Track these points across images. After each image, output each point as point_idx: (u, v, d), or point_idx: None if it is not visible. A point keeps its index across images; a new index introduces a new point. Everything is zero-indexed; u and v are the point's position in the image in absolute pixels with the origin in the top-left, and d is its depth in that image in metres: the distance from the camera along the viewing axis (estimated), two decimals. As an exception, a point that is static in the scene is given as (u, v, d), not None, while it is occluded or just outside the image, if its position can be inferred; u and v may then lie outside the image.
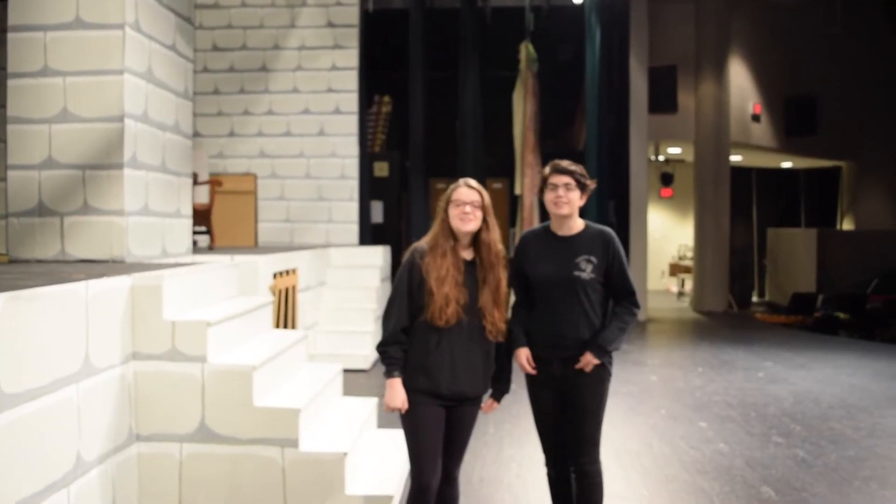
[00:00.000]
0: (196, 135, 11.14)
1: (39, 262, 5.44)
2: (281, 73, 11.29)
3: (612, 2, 12.48)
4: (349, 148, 11.28)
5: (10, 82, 5.46)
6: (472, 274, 3.39)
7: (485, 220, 3.39)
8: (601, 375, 3.54)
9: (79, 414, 3.57)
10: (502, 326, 3.43)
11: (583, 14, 12.56)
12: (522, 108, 12.49)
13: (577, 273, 3.49)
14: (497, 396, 3.58)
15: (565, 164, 3.55)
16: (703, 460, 5.41)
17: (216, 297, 4.99)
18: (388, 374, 3.38)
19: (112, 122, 5.42)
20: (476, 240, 3.41)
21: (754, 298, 17.84)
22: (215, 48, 11.35)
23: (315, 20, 11.22)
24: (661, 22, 13.59)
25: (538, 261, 3.57)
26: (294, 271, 7.98)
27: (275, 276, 7.21)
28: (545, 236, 3.64)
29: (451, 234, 3.38)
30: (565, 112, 14.04)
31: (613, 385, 7.51)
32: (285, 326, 7.55)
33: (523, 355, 3.55)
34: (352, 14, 11.21)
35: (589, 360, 3.45)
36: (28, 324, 3.19)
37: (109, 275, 4.08)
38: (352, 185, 11.33)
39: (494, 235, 3.42)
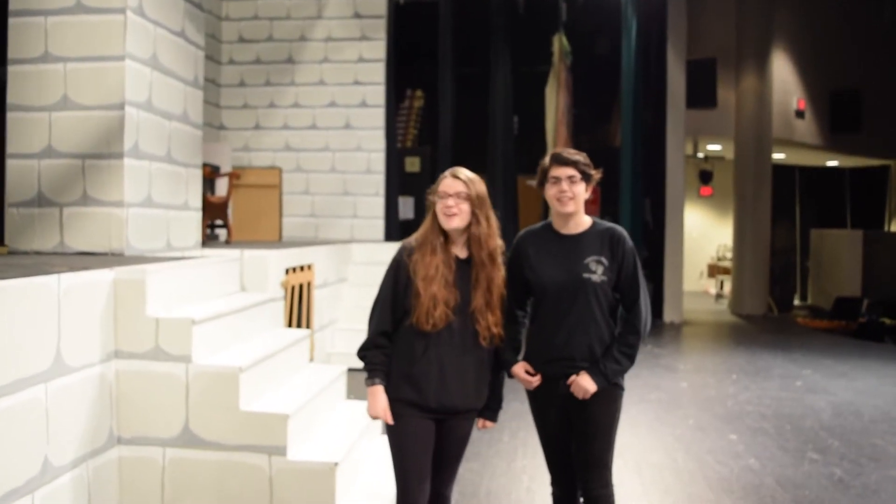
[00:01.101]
0: (221, 127, 11.08)
1: (38, 253, 5.27)
2: (307, 64, 11.08)
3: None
4: (375, 142, 11.03)
5: (11, 68, 5.30)
6: (467, 273, 3.06)
7: (475, 213, 3.04)
8: (612, 393, 3.18)
9: (47, 416, 3.35)
10: (496, 331, 3.08)
11: (619, 5, 12.15)
12: (555, 103, 12.12)
13: (586, 275, 3.12)
14: (489, 415, 3.21)
15: (567, 153, 3.17)
16: (730, 478, 5.04)
17: (212, 293, 4.75)
18: (370, 381, 3.07)
19: (112, 109, 5.23)
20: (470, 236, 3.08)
21: (796, 302, 17.22)
22: (241, 39, 11.19)
23: (342, 11, 10.98)
24: (700, 13, 13.11)
25: (541, 263, 3.20)
26: (310, 267, 7.74)
27: (287, 271, 6.97)
28: (547, 235, 3.26)
29: (441, 230, 3.06)
30: (601, 107, 13.63)
31: (640, 391, 7.24)
32: (298, 324, 7.31)
33: (521, 370, 3.19)
34: (379, 5, 10.95)
35: (584, 386, 3.08)
36: (-14, 320, 2.97)
37: (92, 268, 3.86)
38: (378, 180, 11.08)
39: (487, 230, 3.06)
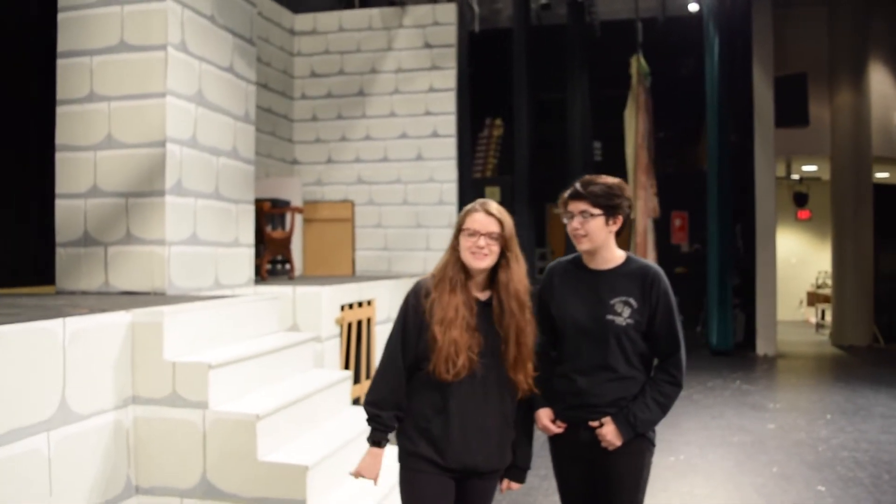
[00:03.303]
0: (294, 162, 11.13)
1: (84, 293, 5.25)
2: (378, 97, 11.02)
3: (732, 8, 11.50)
4: (447, 172, 10.83)
5: (59, 109, 5.34)
6: (488, 317, 2.71)
7: (504, 255, 2.71)
8: (640, 447, 2.80)
9: (49, 466, 3.21)
10: (529, 385, 2.73)
11: (700, 22, 11.65)
12: (634, 126, 11.67)
13: (610, 317, 2.77)
14: (516, 475, 2.85)
15: (582, 183, 2.82)
16: (811, 535, 4.50)
17: (245, 333, 4.59)
18: (374, 442, 2.75)
19: (154, 147, 5.18)
20: (492, 277, 2.75)
21: (906, 331, 15.98)
22: (313, 74, 11.23)
23: (412, 42, 10.90)
24: (787, 27, 12.43)
25: (565, 299, 2.87)
26: (370, 303, 7.54)
27: (343, 307, 6.79)
28: (575, 269, 2.92)
29: (463, 267, 2.72)
30: (684, 129, 13.10)
31: (722, 433, 6.70)
32: (357, 362, 7.11)
33: (545, 416, 2.86)
34: (449, 34, 10.81)
35: (609, 437, 2.73)
36: (-26, 369, 2.85)
37: (109, 310, 3.75)
38: (450, 211, 10.86)
39: (516, 274, 2.72)
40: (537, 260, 16.62)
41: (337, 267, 10.95)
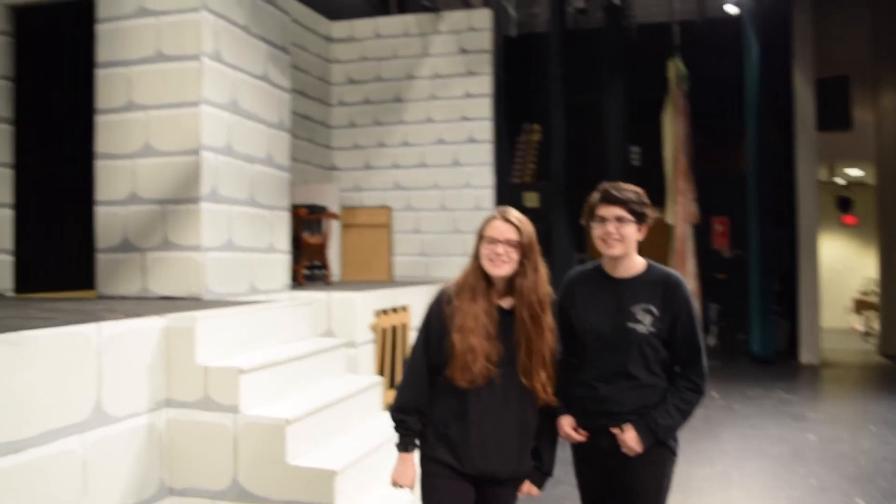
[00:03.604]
0: (332, 168, 11.22)
1: (123, 298, 5.35)
2: (414, 102, 11.07)
3: (771, 10, 11.33)
4: (484, 178, 10.82)
5: (99, 118, 5.46)
6: (510, 325, 2.72)
7: (522, 263, 2.71)
8: (661, 455, 2.78)
9: (84, 467, 3.28)
10: (548, 393, 2.73)
11: (738, 25, 11.50)
12: (672, 130, 11.56)
13: (631, 325, 2.75)
14: (537, 480, 2.84)
15: (618, 189, 2.81)
16: (849, 548, 4.41)
17: (277, 338, 4.64)
18: (402, 448, 2.79)
19: (189, 154, 5.27)
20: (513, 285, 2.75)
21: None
22: (350, 81, 11.32)
23: (447, 47, 10.92)
24: (828, 28, 12.19)
25: (585, 308, 2.86)
26: (405, 308, 7.57)
27: (377, 313, 6.83)
28: (596, 278, 2.91)
29: (484, 275, 2.73)
30: (723, 133, 12.92)
31: (759, 444, 6.59)
32: (392, 367, 7.14)
33: (566, 424, 2.84)
34: (484, 39, 10.81)
35: (630, 444, 2.72)
36: (6, 370, 2.92)
37: (143, 315, 3.82)
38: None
39: (534, 281, 2.71)
40: (577, 265, 16.56)
41: (375, 272, 11.02)
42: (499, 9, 11.49)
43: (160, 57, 5.31)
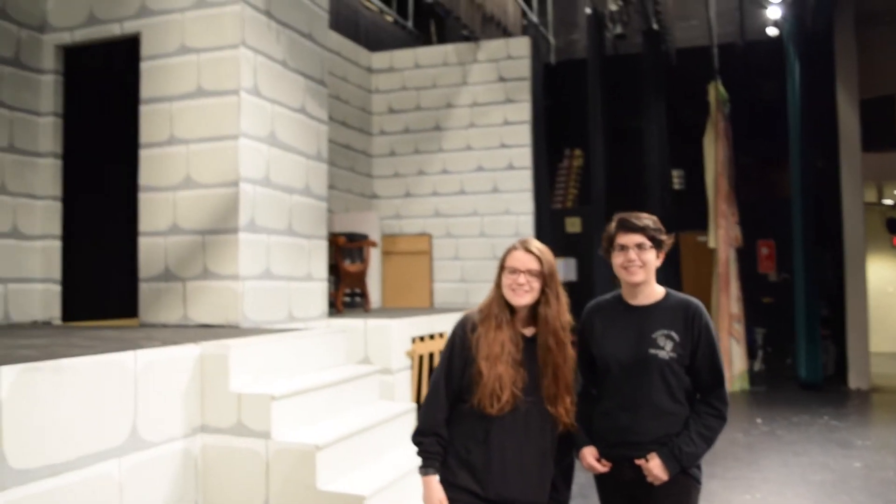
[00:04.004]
0: (373, 196, 11.39)
1: (165, 326, 5.50)
2: (453, 131, 11.20)
3: (812, 30, 11.23)
4: (523, 204, 10.87)
5: (142, 152, 5.65)
6: (533, 353, 2.77)
7: (544, 292, 2.76)
8: (685, 484, 2.78)
9: (120, 490, 3.39)
10: (569, 420, 2.77)
11: (780, 47, 11.42)
12: (713, 153, 11.49)
13: (653, 351, 2.78)
14: None
15: (636, 218, 2.86)
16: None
17: (311, 365, 4.73)
18: (424, 471, 2.82)
19: (228, 186, 5.42)
20: (535, 314, 2.80)
21: None
22: (391, 110, 11.51)
23: (486, 76, 11.05)
24: (871, 48, 12.03)
25: (606, 337, 2.89)
26: (442, 335, 7.62)
27: (414, 340, 6.90)
28: (615, 307, 2.95)
29: (508, 304, 2.79)
30: (766, 156, 12.79)
31: (802, 471, 6.48)
32: (428, 393, 7.17)
33: (589, 455, 2.87)
34: (523, 67, 10.91)
35: (655, 472, 2.73)
36: (49, 396, 3.05)
37: (179, 343, 3.94)
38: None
39: (556, 309, 2.77)
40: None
41: (415, 299, 11.11)
42: (538, 36, 11.61)
43: (200, 92, 5.49)
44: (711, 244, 11.54)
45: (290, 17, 6.02)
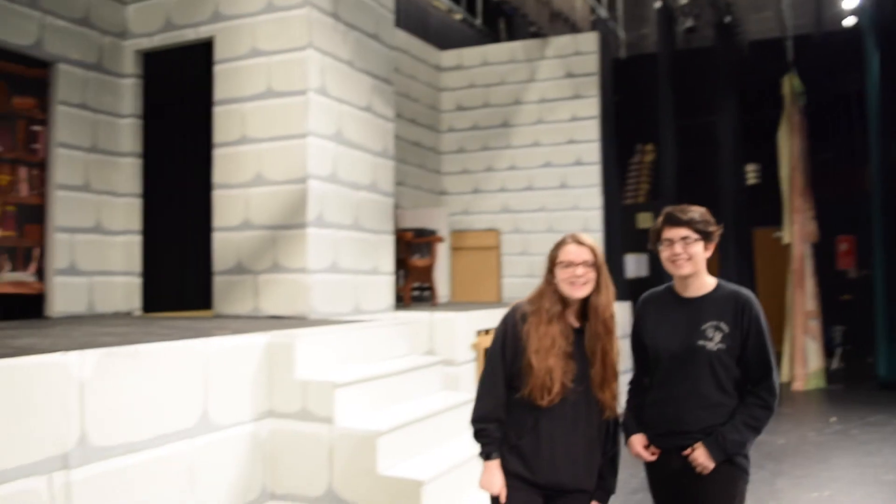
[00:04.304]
0: (443, 192, 11.53)
1: (237, 317, 5.74)
2: (521, 127, 11.26)
3: (892, 20, 10.86)
4: (591, 200, 10.85)
5: (216, 151, 5.91)
6: (581, 344, 2.85)
7: (598, 282, 2.83)
8: (731, 474, 2.80)
9: (191, 469, 3.59)
10: (613, 405, 2.84)
11: (857, 38, 11.08)
12: (788, 148, 11.23)
13: (701, 342, 2.82)
14: (601, 497, 2.91)
15: (680, 211, 2.89)
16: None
17: (375, 355, 4.88)
18: (486, 456, 2.90)
19: (297, 183, 5.62)
20: (585, 304, 2.86)
21: None
22: (459, 108, 11.63)
23: (554, 72, 11.07)
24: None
25: (657, 328, 2.95)
26: (508, 328, 7.69)
27: (479, 333, 6.99)
28: (667, 298, 3.00)
29: (560, 299, 2.85)
30: (844, 149, 12.42)
31: (874, 471, 6.35)
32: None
33: (638, 443, 2.94)
34: (591, 63, 10.89)
35: (700, 460, 2.77)
36: (127, 379, 3.27)
37: (247, 332, 4.14)
38: (596, 239, 10.85)
39: (606, 298, 2.84)
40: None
41: (484, 294, 11.21)
42: (607, 31, 11.55)
43: (270, 93, 5.71)
44: (786, 240, 11.29)
45: (356, 19, 6.19)
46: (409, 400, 4.73)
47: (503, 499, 2.82)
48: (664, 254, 2.92)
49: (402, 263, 8.31)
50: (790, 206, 11.22)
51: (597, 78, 10.92)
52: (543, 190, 11.10)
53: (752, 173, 15.94)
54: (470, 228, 11.52)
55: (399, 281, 8.41)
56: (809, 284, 11.13)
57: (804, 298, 11.03)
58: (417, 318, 6.69)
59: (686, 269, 2.87)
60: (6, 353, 3.02)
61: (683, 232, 2.86)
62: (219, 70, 5.90)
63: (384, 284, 6.59)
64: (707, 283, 2.93)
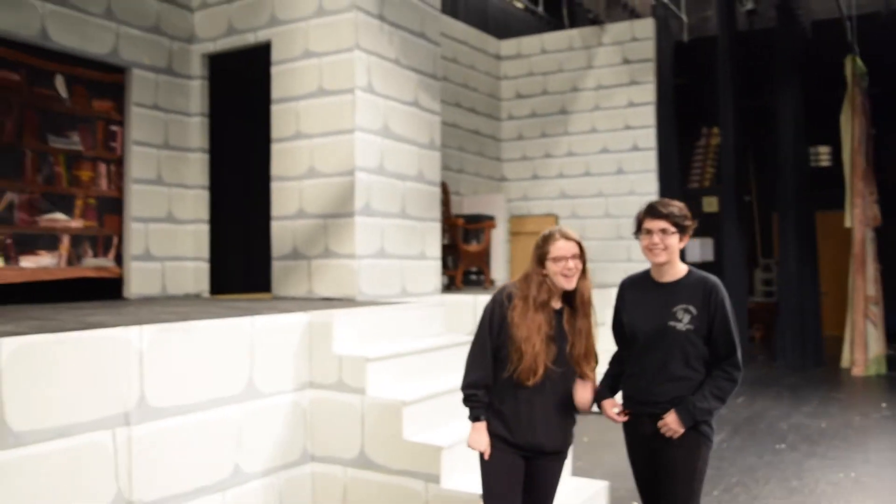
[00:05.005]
0: (502, 179, 11.89)
1: (293, 299, 6.27)
2: (579, 114, 11.52)
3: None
4: (648, 185, 11.05)
5: (274, 146, 6.44)
6: (560, 324, 3.22)
7: (583, 270, 3.21)
8: (696, 441, 3.15)
9: (239, 431, 4.12)
10: (592, 376, 3.24)
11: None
12: (850, 131, 11.14)
13: (671, 323, 3.17)
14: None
15: (661, 205, 3.23)
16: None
17: (409, 334, 5.32)
18: (475, 419, 3.32)
19: (346, 175, 6.09)
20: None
21: None
22: (518, 96, 11.96)
23: (610, 59, 11.27)
24: None
25: (635, 310, 3.31)
26: (553, 310, 8.03)
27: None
28: (644, 283, 3.36)
29: (549, 288, 3.20)
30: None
31: (888, 455, 6.41)
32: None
33: (608, 407, 3.32)
34: (647, 48, 11.05)
35: (671, 426, 3.12)
36: (180, 351, 3.80)
37: (292, 311, 4.64)
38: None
39: (587, 283, 3.23)
40: (761, 272, 16.00)
41: (542, 278, 11.52)
42: (668, 15, 11.63)
43: (321, 92, 6.19)
44: (847, 224, 11.22)
45: (402, 19, 6.61)
46: (438, 375, 5.16)
47: (487, 456, 3.22)
48: (643, 242, 3.27)
49: (454, 248, 8.74)
50: (851, 189, 11.15)
51: (653, 64, 11.07)
52: (600, 175, 11.35)
53: (823, 156, 15.73)
54: (529, 214, 11.87)
55: (453, 265, 8.84)
56: (871, 269, 11.05)
57: (865, 283, 10.96)
58: (463, 300, 7.12)
59: (662, 258, 3.22)
60: (79, 326, 3.58)
61: (662, 224, 3.20)
62: (276, 71, 6.42)
63: (431, 268, 7.02)
64: (680, 269, 3.27)
